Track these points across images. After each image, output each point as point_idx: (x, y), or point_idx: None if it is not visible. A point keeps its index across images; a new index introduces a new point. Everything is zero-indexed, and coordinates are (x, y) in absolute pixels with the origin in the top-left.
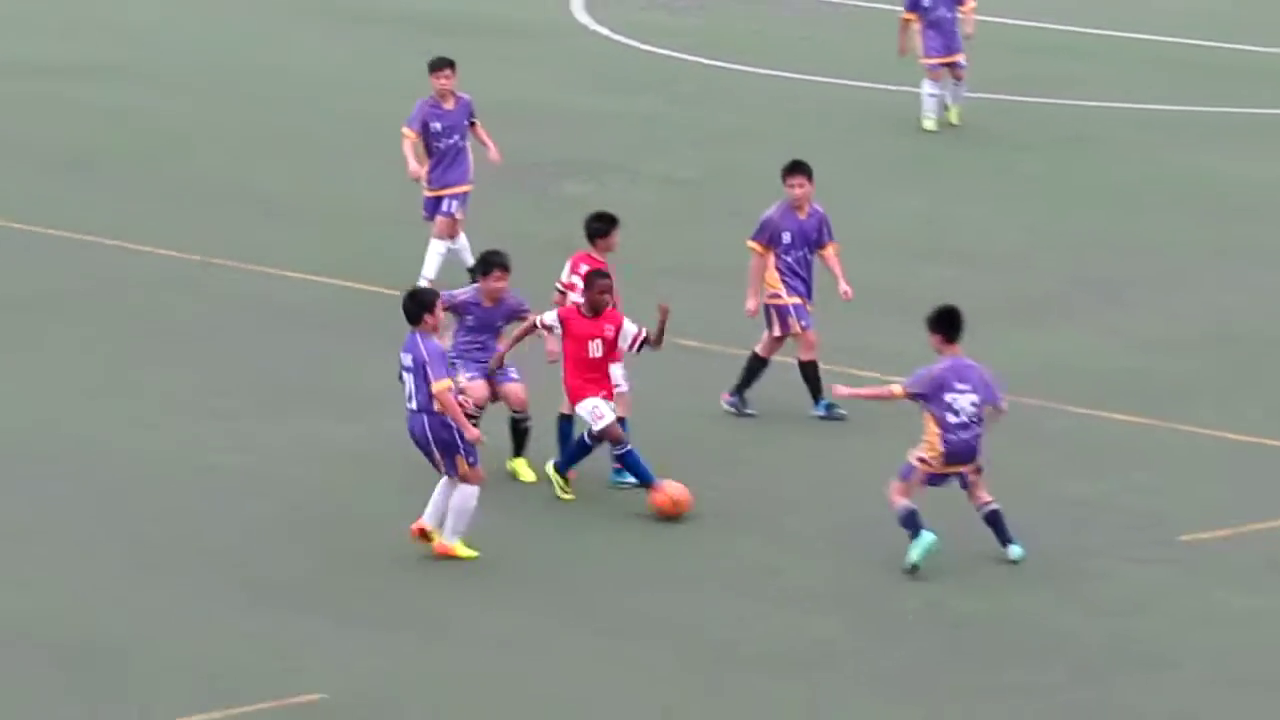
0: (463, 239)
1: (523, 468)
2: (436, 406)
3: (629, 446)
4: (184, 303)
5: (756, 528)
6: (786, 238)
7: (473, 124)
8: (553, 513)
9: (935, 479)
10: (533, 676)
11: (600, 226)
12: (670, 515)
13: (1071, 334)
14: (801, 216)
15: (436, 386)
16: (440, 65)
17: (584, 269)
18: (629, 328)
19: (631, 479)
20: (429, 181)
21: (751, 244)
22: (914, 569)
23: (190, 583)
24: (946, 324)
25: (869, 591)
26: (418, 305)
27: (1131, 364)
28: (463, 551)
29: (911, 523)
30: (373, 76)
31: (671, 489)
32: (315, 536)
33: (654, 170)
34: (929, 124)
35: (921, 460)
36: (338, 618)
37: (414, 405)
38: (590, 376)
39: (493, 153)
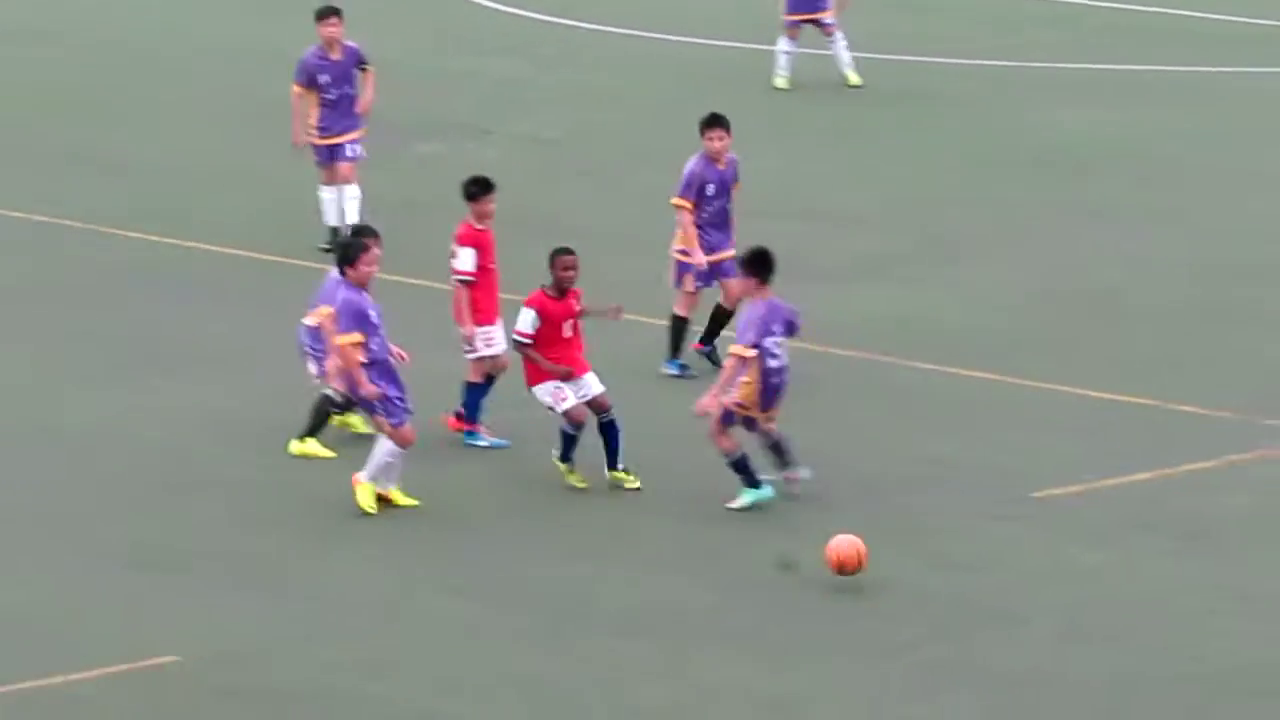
0: (334, 191)
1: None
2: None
3: (580, 434)
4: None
5: (613, 490)
6: (710, 189)
7: (364, 69)
8: (457, 477)
9: (750, 422)
10: (384, 639)
11: (473, 190)
12: (848, 571)
13: (920, 291)
14: (721, 167)
15: (338, 340)
16: (327, 14)
17: (457, 232)
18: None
19: (484, 442)
20: (320, 131)
21: (679, 201)
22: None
23: (62, 551)
24: (760, 265)
25: (722, 551)
26: (342, 252)
27: (980, 321)
28: (363, 497)
29: (744, 468)
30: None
31: (844, 547)
32: (190, 501)
33: (508, 130)
34: (780, 82)
35: (739, 405)
36: (208, 581)
37: None
38: (553, 355)
39: (362, 103)
